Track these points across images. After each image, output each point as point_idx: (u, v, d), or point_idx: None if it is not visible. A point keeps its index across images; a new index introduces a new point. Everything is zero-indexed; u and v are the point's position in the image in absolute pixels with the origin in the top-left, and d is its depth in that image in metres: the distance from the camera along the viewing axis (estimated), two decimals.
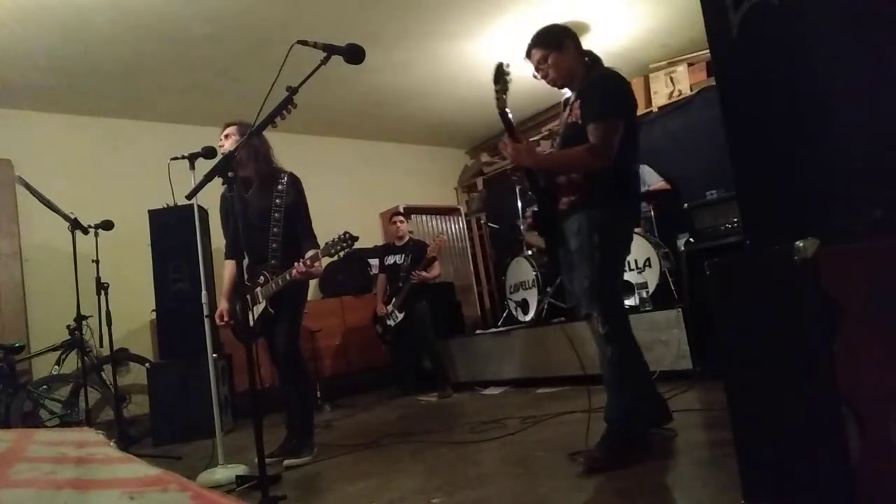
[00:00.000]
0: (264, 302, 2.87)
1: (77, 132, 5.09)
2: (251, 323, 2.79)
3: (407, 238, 5.23)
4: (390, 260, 5.17)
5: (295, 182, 2.99)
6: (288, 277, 2.78)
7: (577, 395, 3.57)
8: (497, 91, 2.16)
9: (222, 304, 3.03)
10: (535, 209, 2.37)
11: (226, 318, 2.99)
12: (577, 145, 2.12)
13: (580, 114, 2.16)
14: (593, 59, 2.32)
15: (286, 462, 2.75)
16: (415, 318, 4.93)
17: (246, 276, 2.94)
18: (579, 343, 3.02)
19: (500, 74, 2.15)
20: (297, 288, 2.92)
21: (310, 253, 2.74)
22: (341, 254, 2.70)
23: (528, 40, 2.32)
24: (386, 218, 6.33)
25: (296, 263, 2.74)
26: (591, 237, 2.10)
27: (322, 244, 2.79)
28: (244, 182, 2.98)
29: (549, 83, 2.33)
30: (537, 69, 2.30)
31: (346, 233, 2.65)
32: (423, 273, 4.92)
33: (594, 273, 2.10)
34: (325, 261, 5.92)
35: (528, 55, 2.33)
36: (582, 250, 2.12)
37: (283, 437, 2.99)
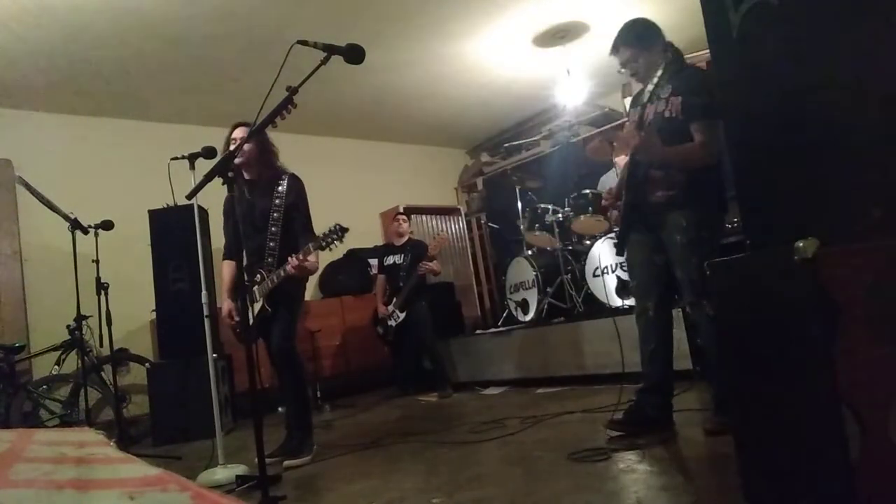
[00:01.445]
0: (261, 300, 2.87)
1: (77, 132, 5.09)
2: (243, 320, 2.80)
3: (406, 238, 5.24)
4: (389, 260, 5.17)
5: (296, 182, 3.01)
6: (283, 273, 2.79)
7: (578, 396, 3.57)
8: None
9: (227, 303, 3.03)
10: (626, 200, 2.45)
11: (234, 316, 2.97)
12: (676, 139, 2.24)
13: (681, 109, 2.25)
14: (675, 51, 2.41)
15: (286, 463, 2.75)
16: (415, 318, 4.93)
17: (245, 276, 2.94)
18: (549, 346, 3.05)
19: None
20: (294, 285, 2.92)
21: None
22: (333, 245, 2.70)
23: (618, 34, 2.41)
24: (388, 217, 6.34)
25: (290, 258, 2.75)
26: (700, 233, 2.24)
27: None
28: (248, 183, 3.00)
29: (633, 78, 2.47)
30: (625, 65, 2.41)
31: (336, 224, 2.66)
32: (430, 264, 4.91)
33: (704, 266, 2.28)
34: (325, 260, 5.96)
35: (617, 50, 2.42)
36: (692, 244, 2.24)
37: (283, 438, 2.99)
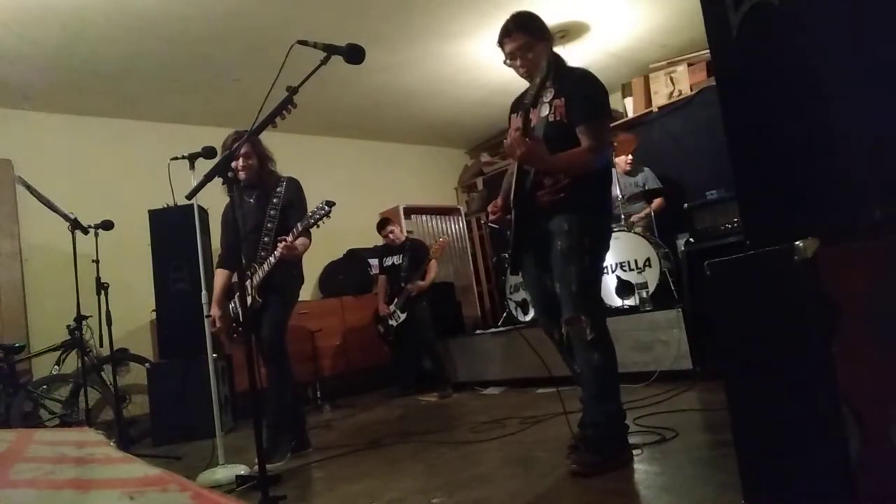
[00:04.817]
0: (253, 292, 2.89)
1: (77, 132, 5.09)
2: (242, 318, 2.82)
3: (404, 238, 5.23)
4: (389, 261, 5.17)
5: (293, 183, 3.07)
6: (272, 260, 2.83)
7: (578, 396, 3.57)
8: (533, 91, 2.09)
9: (215, 310, 3.05)
10: (516, 214, 2.23)
11: (218, 324, 3.02)
12: (564, 144, 2.08)
13: (565, 112, 2.11)
14: (556, 54, 2.20)
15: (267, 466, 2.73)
16: (415, 318, 4.93)
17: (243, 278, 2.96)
18: (547, 347, 3.02)
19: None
20: (287, 278, 2.93)
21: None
22: (322, 221, 2.71)
23: (513, 20, 2.18)
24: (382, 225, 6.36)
25: (279, 244, 2.80)
26: (582, 240, 2.09)
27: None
28: (248, 189, 3.05)
29: (519, 73, 2.22)
30: (513, 55, 2.18)
31: (324, 201, 2.68)
32: (420, 283, 4.93)
33: (584, 276, 2.09)
34: (325, 260, 5.94)
35: (507, 37, 2.18)
36: (571, 251, 2.08)
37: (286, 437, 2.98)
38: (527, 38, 2.16)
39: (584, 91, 2.13)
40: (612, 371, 2.14)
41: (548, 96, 2.14)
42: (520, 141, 2.00)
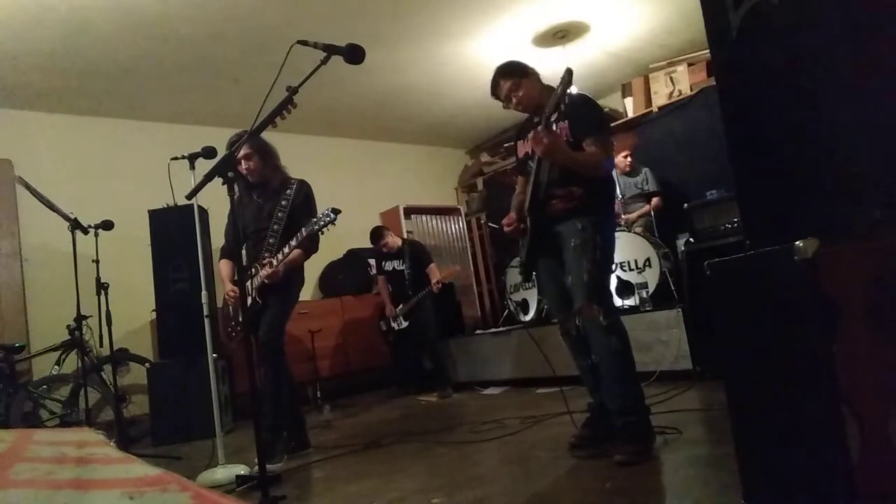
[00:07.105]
0: (253, 293, 2.90)
1: (77, 132, 5.09)
2: (241, 318, 2.84)
3: (401, 243, 5.21)
4: (389, 266, 5.14)
5: (304, 186, 3.07)
6: (260, 278, 2.87)
7: (578, 396, 3.57)
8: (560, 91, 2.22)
9: (229, 285, 3.07)
10: (531, 222, 2.39)
11: (235, 293, 3.02)
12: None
13: (570, 133, 2.31)
14: (559, 85, 2.36)
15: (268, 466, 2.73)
16: (420, 317, 4.94)
17: (244, 276, 2.97)
18: (548, 347, 3.04)
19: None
20: (287, 279, 2.94)
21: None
22: (326, 228, 2.72)
23: (493, 75, 2.45)
24: (386, 219, 6.33)
25: (272, 261, 2.84)
26: (595, 236, 2.26)
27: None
28: (257, 187, 3.06)
29: (519, 110, 2.48)
30: (508, 98, 2.44)
31: (329, 208, 2.69)
32: (440, 279, 4.93)
33: (595, 268, 2.25)
34: (325, 260, 5.95)
35: (497, 87, 2.45)
36: (584, 246, 2.25)
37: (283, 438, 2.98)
38: (511, 80, 2.40)
39: (585, 112, 2.34)
40: (630, 355, 2.26)
41: (555, 119, 2.31)
42: (545, 133, 2.16)
